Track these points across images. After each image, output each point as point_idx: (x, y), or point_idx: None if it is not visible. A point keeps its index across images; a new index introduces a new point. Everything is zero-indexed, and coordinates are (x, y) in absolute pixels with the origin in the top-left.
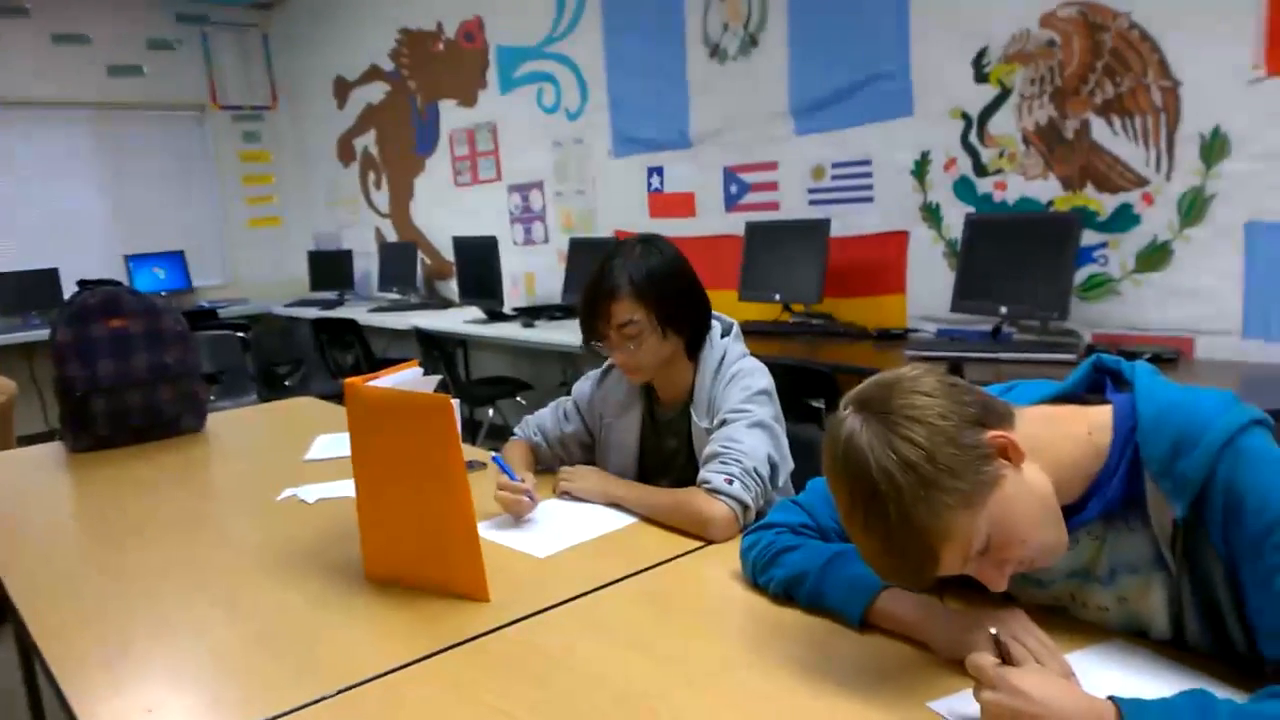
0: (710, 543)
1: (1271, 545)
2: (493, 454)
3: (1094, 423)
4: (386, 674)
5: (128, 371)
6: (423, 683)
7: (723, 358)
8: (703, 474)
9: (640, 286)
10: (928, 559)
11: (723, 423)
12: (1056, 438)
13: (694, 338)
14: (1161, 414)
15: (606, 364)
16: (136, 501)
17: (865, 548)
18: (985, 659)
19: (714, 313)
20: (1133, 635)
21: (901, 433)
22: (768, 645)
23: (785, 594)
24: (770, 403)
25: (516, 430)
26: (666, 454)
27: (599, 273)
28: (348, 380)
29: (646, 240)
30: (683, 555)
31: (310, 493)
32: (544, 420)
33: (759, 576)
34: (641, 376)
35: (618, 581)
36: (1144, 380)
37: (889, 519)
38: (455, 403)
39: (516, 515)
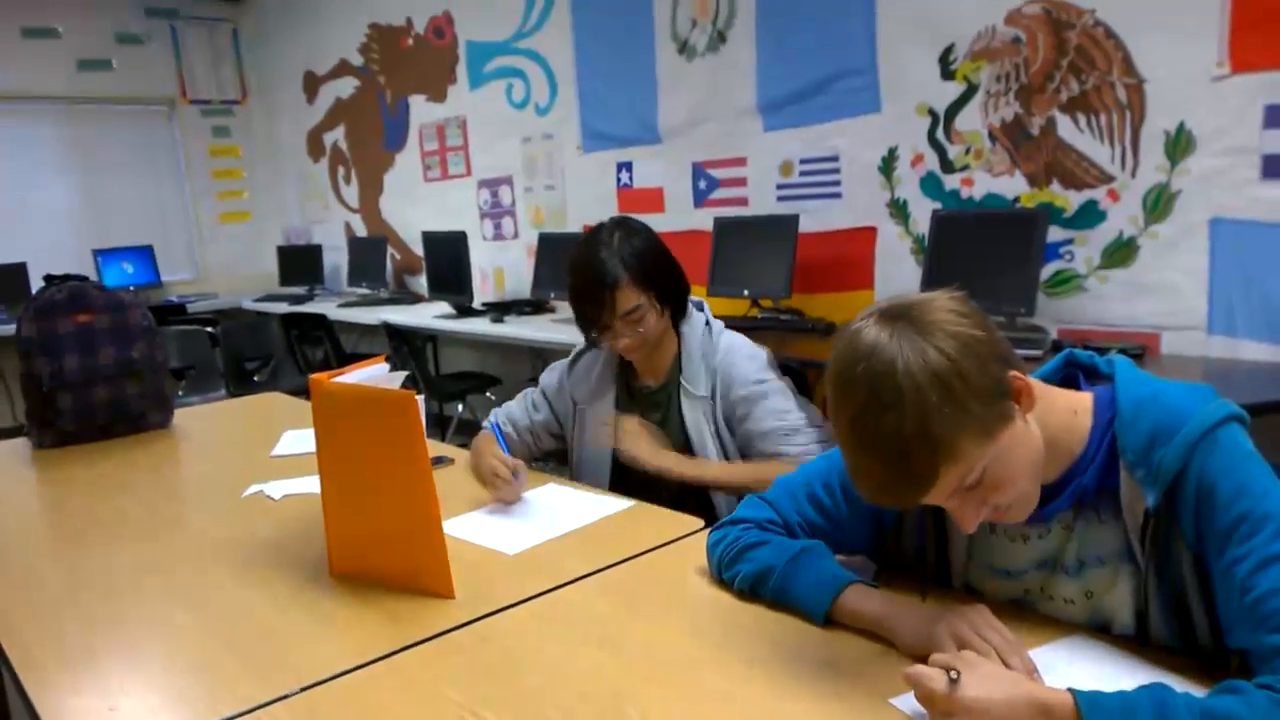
0: (677, 539)
1: (1239, 537)
2: (490, 422)
3: (1078, 405)
4: (349, 671)
5: (94, 367)
6: (386, 680)
7: (705, 330)
8: (772, 447)
9: (637, 272)
10: (928, 476)
11: (748, 397)
12: (1049, 407)
13: (678, 308)
14: (1141, 404)
15: (575, 351)
16: (102, 498)
17: (865, 459)
18: (936, 680)
19: None
20: (1096, 631)
21: (935, 343)
22: (733, 641)
23: (751, 590)
24: (773, 368)
25: (485, 422)
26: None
27: (588, 265)
28: (313, 376)
29: (620, 223)
30: (649, 551)
31: (276, 489)
32: (513, 411)
33: (724, 572)
34: (641, 354)
35: (584, 577)
36: (1124, 372)
37: (903, 428)
38: (420, 399)
39: (505, 501)
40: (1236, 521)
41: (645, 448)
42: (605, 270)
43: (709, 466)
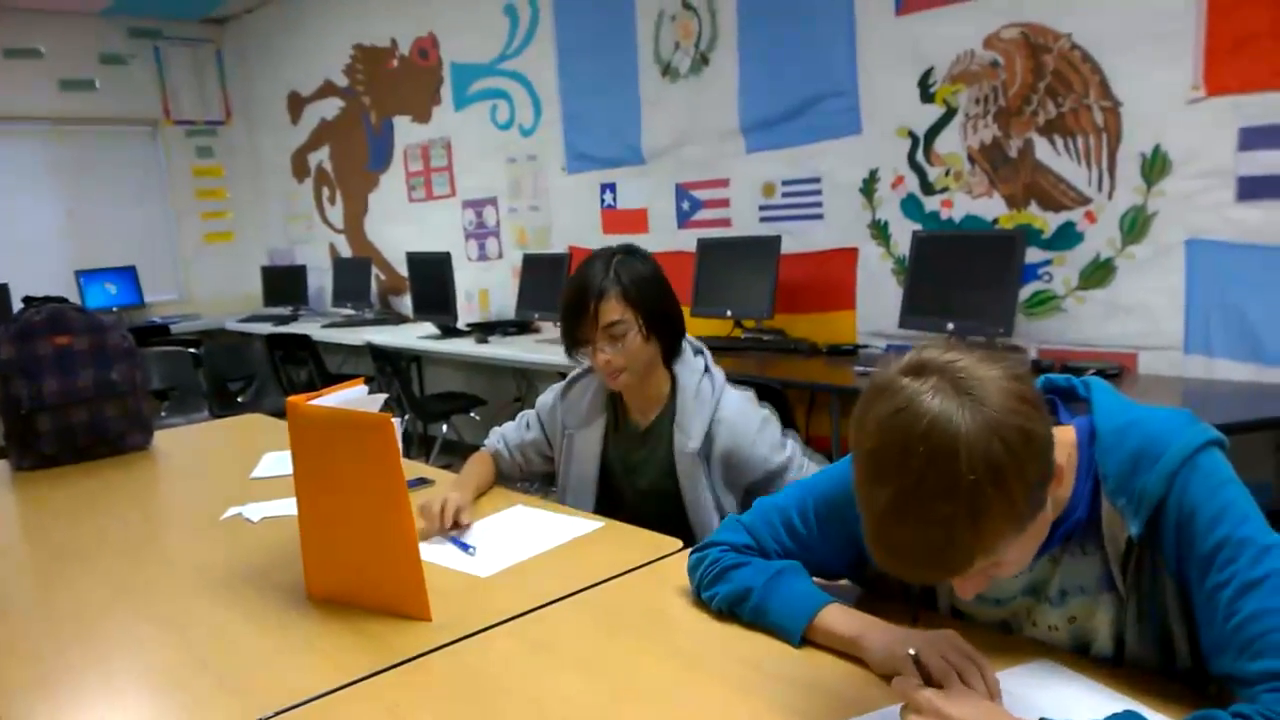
0: (652, 561)
1: (1220, 562)
2: (486, 443)
3: (1067, 446)
4: (324, 695)
5: (73, 389)
6: (361, 704)
7: (704, 379)
8: None
9: (627, 288)
10: (963, 566)
11: (767, 477)
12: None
13: (671, 345)
14: (1120, 431)
15: (570, 376)
16: (80, 520)
17: (899, 536)
18: (910, 683)
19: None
20: (1072, 653)
21: (1001, 435)
22: (712, 663)
23: (729, 610)
24: (777, 429)
25: (485, 442)
26: (631, 464)
27: (583, 276)
28: (290, 399)
29: (628, 249)
30: (626, 573)
31: (255, 511)
32: (508, 430)
33: (704, 592)
34: (622, 381)
35: (560, 600)
36: (1101, 398)
37: (955, 518)
38: (397, 421)
39: (422, 535)
40: (1217, 547)
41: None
42: (594, 282)
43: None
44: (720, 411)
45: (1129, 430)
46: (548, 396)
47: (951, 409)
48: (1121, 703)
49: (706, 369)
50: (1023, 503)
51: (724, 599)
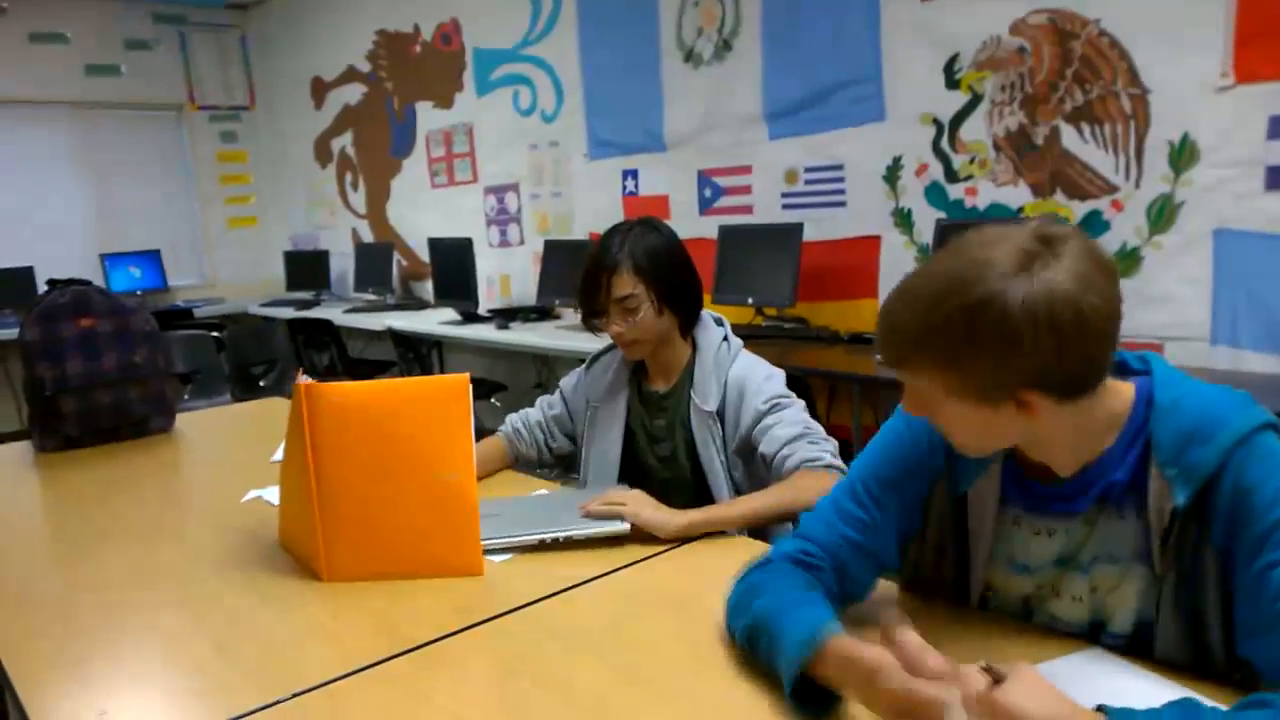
0: (673, 546)
1: (1274, 543)
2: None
3: (1124, 395)
4: (341, 678)
5: (96, 371)
6: (377, 687)
7: (723, 345)
8: (801, 453)
9: (639, 262)
10: (893, 362)
11: (767, 410)
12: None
13: (688, 317)
14: (1179, 401)
15: (594, 354)
16: (101, 502)
17: (887, 304)
18: (975, 680)
19: (704, 309)
20: (1091, 631)
21: (1013, 318)
22: (725, 651)
23: (748, 644)
24: (784, 385)
25: (500, 428)
26: (654, 431)
27: (599, 249)
28: (301, 384)
29: (645, 221)
30: (643, 560)
31: (275, 494)
32: (528, 412)
33: (729, 625)
34: (638, 351)
35: (576, 586)
36: (1161, 368)
37: (913, 317)
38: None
39: None
40: (1273, 528)
41: (652, 515)
42: (607, 256)
43: (735, 505)
44: (733, 370)
45: (1187, 401)
46: (572, 375)
47: (1018, 260)
48: (1174, 690)
49: (725, 338)
50: (974, 374)
51: (743, 633)
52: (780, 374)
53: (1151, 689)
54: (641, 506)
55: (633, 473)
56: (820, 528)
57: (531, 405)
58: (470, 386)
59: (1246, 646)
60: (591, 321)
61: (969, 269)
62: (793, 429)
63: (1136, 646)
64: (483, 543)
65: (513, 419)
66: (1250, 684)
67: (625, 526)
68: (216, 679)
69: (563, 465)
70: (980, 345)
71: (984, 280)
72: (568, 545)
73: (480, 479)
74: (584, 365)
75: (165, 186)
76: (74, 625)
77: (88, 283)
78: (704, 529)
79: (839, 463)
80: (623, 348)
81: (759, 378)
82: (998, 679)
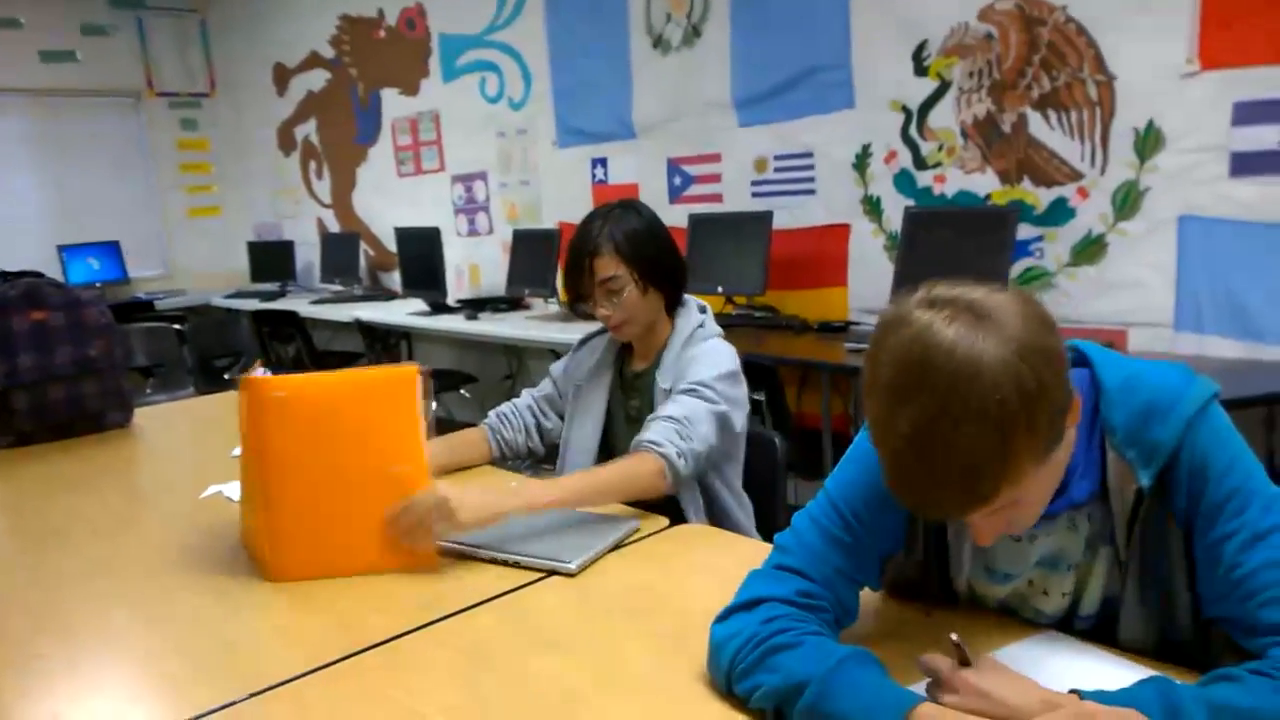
0: (637, 540)
1: (1230, 512)
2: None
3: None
4: (299, 677)
5: (49, 365)
6: (336, 685)
7: (698, 330)
8: (649, 434)
9: (620, 244)
10: (990, 496)
11: (689, 390)
12: None
13: (673, 295)
14: (1128, 381)
15: (581, 338)
16: (57, 499)
17: (923, 469)
18: (942, 659)
19: (687, 295)
20: (1057, 626)
21: (1025, 358)
22: (690, 646)
23: (775, 709)
24: (737, 384)
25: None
26: (630, 413)
27: (580, 233)
28: (246, 377)
29: (625, 203)
30: (608, 551)
31: (236, 489)
32: (517, 400)
33: (738, 683)
34: (628, 333)
35: (539, 580)
36: (1099, 355)
37: (979, 443)
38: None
39: None
40: (1228, 496)
41: (459, 517)
42: (588, 239)
43: (554, 486)
44: (692, 351)
45: (1135, 382)
46: (561, 361)
47: (971, 332)
48: (1138, 671)
49: (702, 325)
50: (1047, 427)
51: (771, 695)
52: (735, 372)
53: (1112, 670)
54: (445, 521)
55: (610, 455)
56: (811, 561)
57: (504, 398)
58: (419, 377)
59: (1212, 609)
60: (579, 306)
61: (960, 380)
62: (673, 410)
63: (1101, 627)
64: (439, 542)
65: (496, 409)
66: (1208, 665)
67: (572, 567)
68: (171, 679)
69: (546, 455)
70: (1030, 410)
71: (979, 368)
72: (531, 537)
73: (455, 471)
74: (573, 348)
75: (124, 176)
76: (28, 624)
77: (40, 275)
78: (526, 511)
79: (680, 463)
80: (612, 330)
81: (707, 363)
82: (964, 661)
